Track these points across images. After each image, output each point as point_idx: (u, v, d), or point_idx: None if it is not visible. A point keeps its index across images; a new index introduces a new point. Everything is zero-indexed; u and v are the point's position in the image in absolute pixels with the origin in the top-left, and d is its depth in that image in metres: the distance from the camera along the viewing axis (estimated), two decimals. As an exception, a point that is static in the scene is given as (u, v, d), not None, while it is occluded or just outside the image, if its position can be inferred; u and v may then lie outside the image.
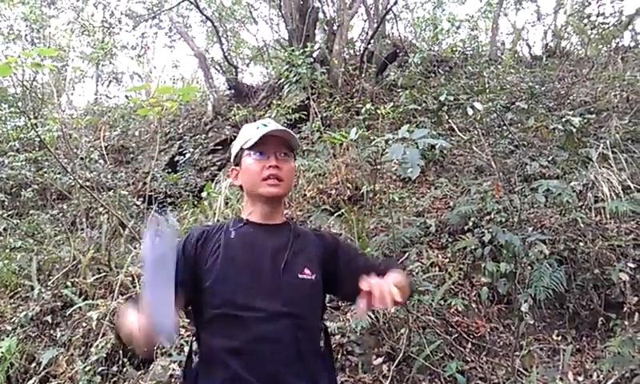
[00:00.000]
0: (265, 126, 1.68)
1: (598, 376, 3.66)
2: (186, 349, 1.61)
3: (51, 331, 4.25)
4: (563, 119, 5.18)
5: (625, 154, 5.40)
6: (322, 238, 1.76)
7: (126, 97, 12.51)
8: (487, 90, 7.40)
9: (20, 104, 9.54)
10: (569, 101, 8.01)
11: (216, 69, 12.76)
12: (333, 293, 1.81)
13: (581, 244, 4.46)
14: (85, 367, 3.56)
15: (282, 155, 1.67)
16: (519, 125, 7.09)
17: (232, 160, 1.77)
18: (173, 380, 3.33)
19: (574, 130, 5.09)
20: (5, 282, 4.92)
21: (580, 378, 3.71)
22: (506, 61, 10.90)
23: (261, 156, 1.66)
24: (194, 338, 1.61)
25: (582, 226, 4.58)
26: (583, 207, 4.85)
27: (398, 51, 10.82)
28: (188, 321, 3.28)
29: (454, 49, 10.78)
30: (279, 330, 1.50)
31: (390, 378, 3.47)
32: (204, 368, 1.54)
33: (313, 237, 1.74)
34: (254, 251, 1.60)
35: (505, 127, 6.59)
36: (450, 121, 7.19)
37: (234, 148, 1.75)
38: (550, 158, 5.82)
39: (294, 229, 1.71)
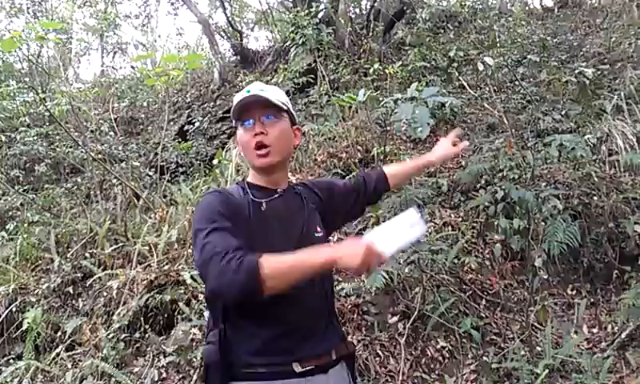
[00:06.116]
0: (248, 92, 1.58)
1: (613, 328, 3.69)
2: (206, 314, 1.62)
3: (73, 301, 4.37)
4: (576, 71, 5.08)
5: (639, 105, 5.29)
6: (318, 187, 1.80)
7: (132, 67, 12.45)
8: (498, 45, 7.23)
9: (27, 79, 9.53)
10: (582, 52, 7.83)
11: (220, 35, 12.59)
12: (333, 229, 1.92)
13: (595, 198, 4.43)
14: (108, 335, 3.67)
15: (266, 118, 1.57)
16: (531, 79, 6.94)
17: None
18: (194, 344, 3.42)
19: (588, 82, 5.00)
20: (25, 256, 5.03)
21: (595, 331, 3.75)
22: (516, 13, 10.61)
23: (246, 125, 1.58)
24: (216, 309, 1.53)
25: (595, 179, 4.54)
26: (597, 161, 4.80)
27: (405, 8, 10.54)
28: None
29: (463, 3, 10.49)
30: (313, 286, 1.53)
31: (405, 336, 3.53)
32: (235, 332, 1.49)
33: (311, 189, 1.77)
34: (279, 222, 1.57)
35: (517, 82, 6.47)
36: (460, 78, 7.07)
37: None
38: (563, 112, 5.72)
39: (301, 192, 1.71)
